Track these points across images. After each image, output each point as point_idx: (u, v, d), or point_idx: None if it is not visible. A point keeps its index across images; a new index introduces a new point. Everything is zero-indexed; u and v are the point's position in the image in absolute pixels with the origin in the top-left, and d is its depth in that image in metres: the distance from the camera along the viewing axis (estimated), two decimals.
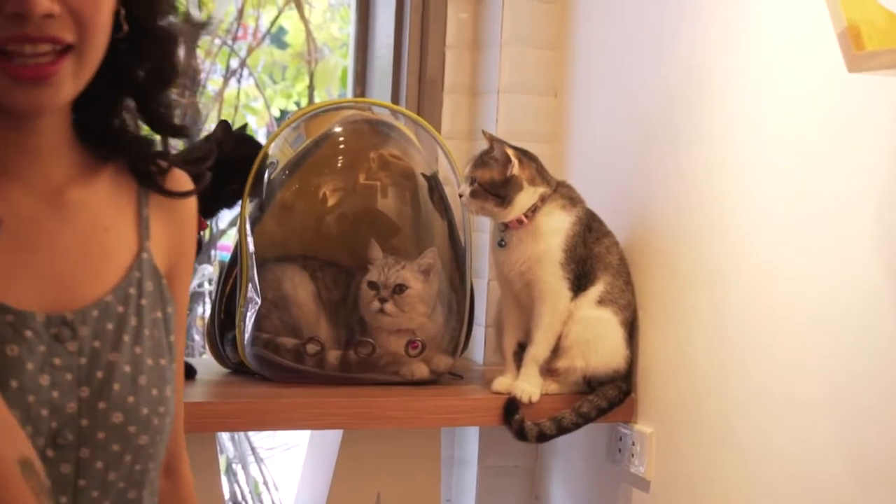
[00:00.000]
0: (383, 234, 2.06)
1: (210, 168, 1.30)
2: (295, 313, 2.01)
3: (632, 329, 2.00)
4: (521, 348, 2.00)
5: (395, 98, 2.42)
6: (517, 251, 1.96)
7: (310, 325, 2.01)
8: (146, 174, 1.23)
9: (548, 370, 1.98)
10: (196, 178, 1.29)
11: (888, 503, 1.47)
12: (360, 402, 1.91)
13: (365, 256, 2.02)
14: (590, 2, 2.25)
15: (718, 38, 1.83)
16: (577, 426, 1.95)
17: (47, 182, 1.16)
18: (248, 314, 1.99)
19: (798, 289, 1.63)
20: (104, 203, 1.20)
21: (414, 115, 2.18)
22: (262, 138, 2.16)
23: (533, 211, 1.94)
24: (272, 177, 2.05)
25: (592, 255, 1.98)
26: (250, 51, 3.04)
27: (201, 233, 2.04)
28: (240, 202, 2.03)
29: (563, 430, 1.94)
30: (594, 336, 1.96)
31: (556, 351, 1.97)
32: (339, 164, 2.09)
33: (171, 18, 1.19)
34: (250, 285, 2.00)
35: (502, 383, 1.98)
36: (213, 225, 2.87)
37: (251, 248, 2.01)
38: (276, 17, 3.12)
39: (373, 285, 1.98)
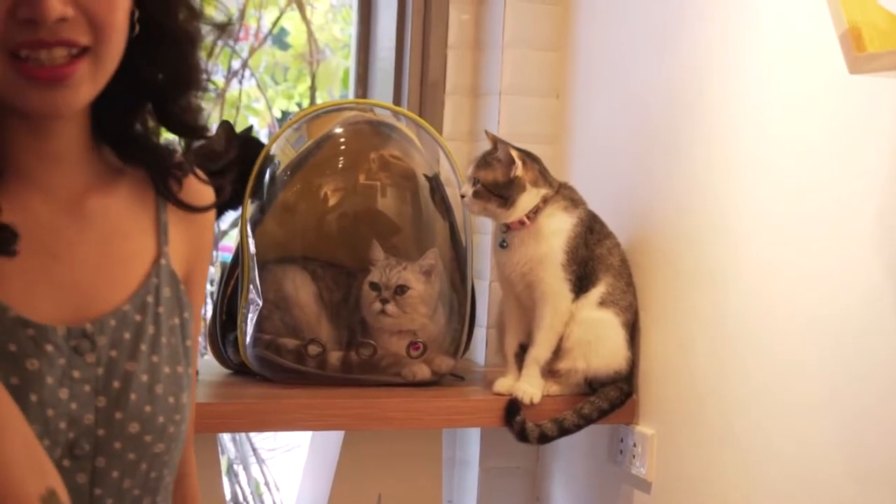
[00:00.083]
0: (383, 233, 2.06)
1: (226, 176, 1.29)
2: (296, 314, 2.01)
3: (633, 330, 2.00)
4: (523, 349, 2.01)
5: (397, 99, 2.42)
6: (519, 252, 1.96)
7: (311, 326, 2.01)
8: (164, 187, 1.22)
9: (549, 371, 1.98)
10: (217, 191, 1.28)
11: (888, 503, 1.47)
12: (361, 404, 1.91)
13: (366, 257, 2.02)
14: (591, 3, 2.25)
15: (720, 38, 1.83)
16: (578, 427, 1.95)
17: (67, 189, 1.16)
18: (250, 315, 2.00)
19: (799, 289, 1.63)
20: (123, 209, 1.20)
21: (415, 117, 2.18)
22: (264, 139, 2.16)
23: (535, 212, 1.94)
24: (273, 178, 2.05)
25: (594, 257, 1.98)
26: (252, 52, 3.04)
27: None
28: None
29: (564, 431, 1.94)
30: (595, 337, 1.96)
31: (558, 352, 1.98)
32: (340, 165, 2.09)
33: (190, 19, 1.17)
34: (251, 286, 2.00)
35: (504, 384, 1.98)
36: (216, 226, 2.87)
37: (252, 249, 2.01)
38: (278, 18, 3.12)
39: (374, 286, 1.98)
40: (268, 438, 3.39)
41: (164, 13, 1.14)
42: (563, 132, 2.33)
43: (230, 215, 2.20)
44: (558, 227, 1.95)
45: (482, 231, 2.31)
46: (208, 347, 2.16)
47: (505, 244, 1.97)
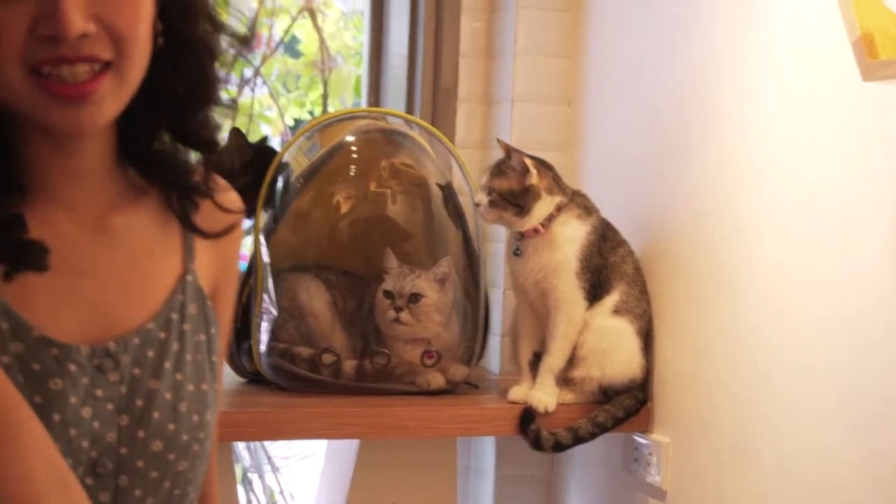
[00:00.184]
0: (394, 239, 2.06)
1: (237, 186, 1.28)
2: (310, 323, 2.01)
3: (647, 338, 1.99)
4: (537, 358, 2.00)
5: (410, 107, 2.42)
6: (532, 260, 1.96)
7: (325, 334, 2.01)
8: (181, 211, 1.20)
9: (563, 380, 1.98)
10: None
11: None
12: (375, 412, 1.91)
13: (379, 265, 2.02)
14: (602, 10, 2.25)
15: (731, 43, 1.83)
16: (593, 436, 1.95)
17: (92, 206, 1.15)
18: (264, 324, 2.00)
19: (812, 294, 1.63)
20: (149, 225, 1.19)
21: (427, 125, 2.18)
22: (276, 147, 2.16)
23: (549, 220, 1.94)
24: (287, 186, 2.05)
25: (608, 265, 1.98)
26: (264, 59, 3.04)
27: None
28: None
29: (579, 439, 1.94)
30: (610, 345, 1.95)
31: (572, 360, 1.97)
32: (352, 173, 2.10)
33: (212, 32, 1.16)
34: (265, 295, 2.00)
35: (518, 393, 1.98)
36: None
37: (266, 258, 2.01)
38: (290, 26, 3.12)
39: (388, 294, 1.98)
40: (282, 447, 3.39)
41: (186, 26, 1.13)
42: (575, 139, 2.33)
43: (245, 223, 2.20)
44: (572, 234, 1.95)
45: (495, 239, 2.31)
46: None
47: (519, 252, 1.97)
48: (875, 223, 1.51)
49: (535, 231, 1.95)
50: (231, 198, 1.26)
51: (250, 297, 2.03)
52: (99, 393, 1.10)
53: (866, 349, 1.52)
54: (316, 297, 2.03)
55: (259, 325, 2.00)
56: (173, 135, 1.19)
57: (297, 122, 3.42)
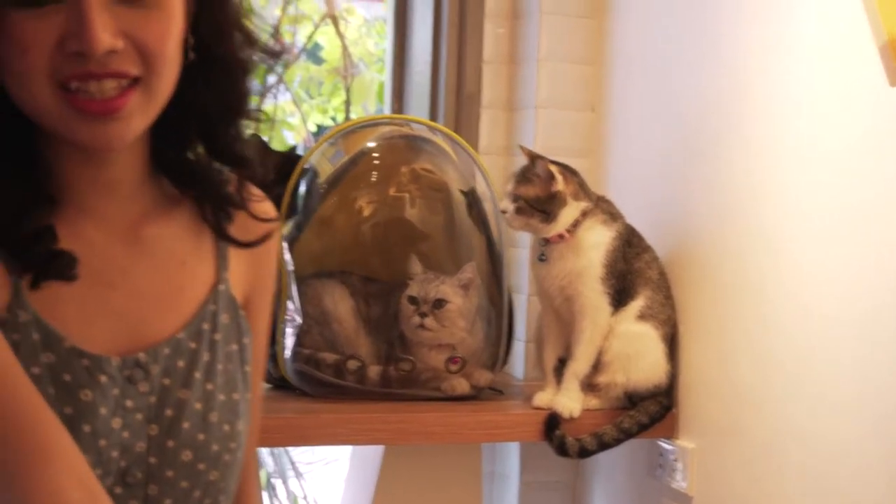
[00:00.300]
0: (411, 241, 2.06)
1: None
2: (335, 329, 2.01)
3: (672, 344, 1.99)
4: (562, 363, 2.00)
5: (433, 113, 2.43)
6: (558, 266, 1.96)
7: (350, 340, 2.01)
8: (214, 221, 1.20)
9: (588, 385, 1.98)
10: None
11: None
12: (400, 418, 1.91)
13: (401, 269, 2.02)
14: (626, 16, 2.25)
15: (758, 48, 1.82)
16: (618, 442, 1.94)
17: (123, 217, 1.15)
18: (289, 329, 2.00)
19: (841, 299, 1.62)
20: (182, 236, 1.19)
21: (449, 132, 2.18)
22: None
23: (574, 226, 1.94)
24: (310, 193, 2.06)
25: (632, 270, 1.97)
26: (287, 66, 3.05)
27: None
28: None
29: (604, 445, 1.94)
30: (635, 351, 1.95)
31: (597, 366, 1.97)
32: (374, 179, 2.10)
33: (244, 47, 1.15)
34: (290, 302, 2.01)
35: (543, 398, 1.98)
36: None
37: (290, 265, 2.02)
38: (313, 33, 3.13)
39: (412, 300, 1.99)
40: (305, 452, 3.40)
41: (219, 41, 1.12)
42: (598, 145, 2.33)
43: None
44: (597, 240, 1.95)
45: (519, 245, 2.31)
46: None
47: (544, 258, 1.97)
48: None
49: (561, 237, 1.95)
50: (265, 207, 1.25)
51: (275, 304, 2.03)
52: (129, 403, 1.10)
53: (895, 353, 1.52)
54: (340, 303, 2.03)
55: (284, 331, 2.01)
56: (206, 148, 1.19)
57: (320, 128, 3.43)
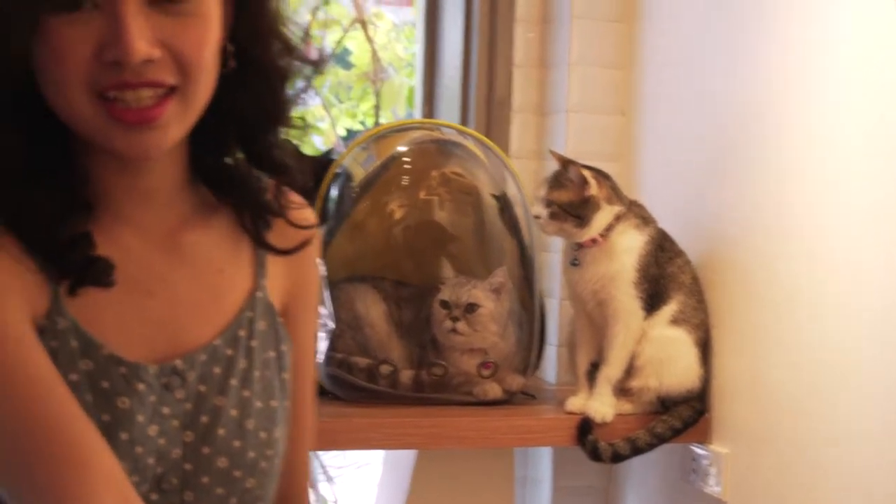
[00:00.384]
0: (441, 244, 2.07)
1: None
2: (367, 333, 2.02)
3: (705, 348, 1.98)
4: (594, 368, 2.00)
5: (464, 118, 2.43)
6: (590, 270, 1.95)
7: (382, 344, 2.02)
8: (252, 229, 1.20)
9: (621, 390, 1.97)
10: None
11: None
12: (433, 423, 1.91)
13: (431, 273, 2.03)
14: (657, 20, 2.25)
15: (792, 49, 1.81)
16: (651, 446, 1.94)
17: (161, 224, 1.15)
18: (321, 334, 2.01)
19: (877, 304, 1.61)
20: (220, 243, 1.19)
21: (480, 136, 2.18)
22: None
23: (608, 230, 1.94)
24: (342, 197, 2.07)
25: (665, 275, 1.97)
26: (320, 72, 3.05)
27: None
28: None
29: (637, 450, 1.93)
30: (668, 356, 1.95)
31: (630, 370, 1.97)
32: (404, 183, 2.10)
33: (283, 54, 1.15)
34: (322, 306, 2.01)
35: (576, 403, 1.97)
36: None
37: (322, 269, 2.02)
38: (342, 38, 3.14)
39: (445, 304, 1.99)
40: (337, 456, 3.40)
41: (257, 48, 1.12)
42: (629, 149, 2.33)
43: None
44: (630, 244, 1.95)
45: (551, 249, 2.31)
46: None
47: (576, 262, 1.97)
48: None
49: (594, 241, 1.94)
50: (305, 214, 1.25)
51: None
52: (165, 410, 1.10)
53: None
54: (373, 308, 2.03)
55: (316, 336, 2.01)
56: (245, 155, 1.18)
57: (350, 132, 3.44)
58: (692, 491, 2.05)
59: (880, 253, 1.60)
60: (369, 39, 3.08)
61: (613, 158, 2.31)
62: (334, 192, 2.07)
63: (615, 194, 1.97)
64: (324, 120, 3.36)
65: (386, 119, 3.05)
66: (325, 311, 2.01)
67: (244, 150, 1.18)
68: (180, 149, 1.14)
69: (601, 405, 1.94)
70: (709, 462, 1.98)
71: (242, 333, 1.17)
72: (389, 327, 2.03)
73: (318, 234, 1.28)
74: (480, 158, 2.14)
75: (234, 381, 1.15)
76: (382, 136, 2.15)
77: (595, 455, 1.93)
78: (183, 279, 1.15)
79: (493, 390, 2.01)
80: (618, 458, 1.94)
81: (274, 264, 1.22)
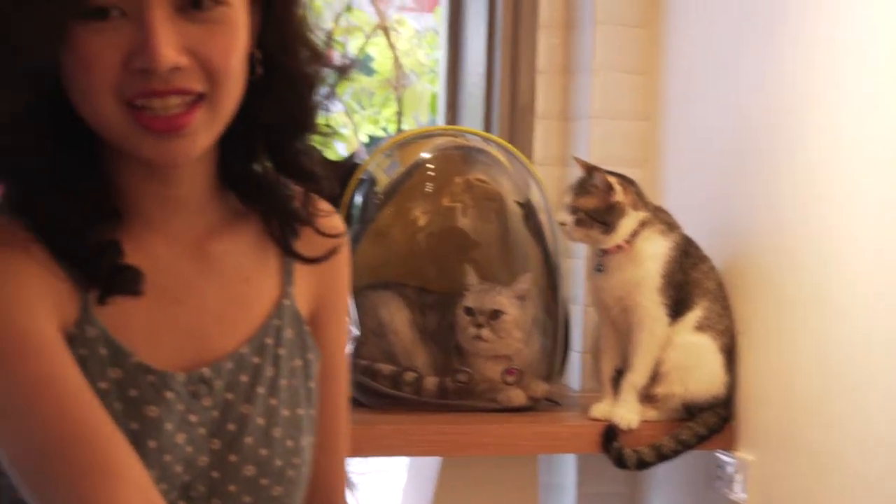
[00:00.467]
0: (465, 250, 2.07)
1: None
2: (392, 340, 2.02)
3: (731, 355, 1.98)
4: (619, 374, 1.99)
5: (487, 124, 2.43)
6: (615, 277, 1.95)
7: (406, 351, 2.02)
8: (281, 237, 1.20)
9: (646, 396, 1.97)
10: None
11: None
12: (457, 429, 1.91)
13: (455, 280, 2.02)
14: (680, 25, 2.24)
15: (818, 51, 1.80)
16: (676, 453, 1.93)
17: (189, 233, 1.14)
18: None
19: None
20: (248, 251, 1.18)
21: (503, 142, 2.18)
22: None
23: (633, 236, 1.94)
24: (366, 204, 2.07)
25: (690, 281, 1.96)
26: (344, 79, 3.06)
27: None
28: None
29: (662, 457, 1.93)
30: (693, 362, 1.94)
31: (655, 377, 1.96)
32: (428, 190, 2.10)
33: (311, 61, 1.14)
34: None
35: (601, 410, 1.97)
36: None
37: None
38: (364, 44, 3.14)
39: (469, 311, 1.99)
40: (359, 462, 3.39)
41: (285, 54, 1.11)
42: (653, 155, 2.32)
43: None
44: (655, 251, 1.94)
45: (574, 256, 2.30)
46: None
47: (601, 269, 1.97)
48: None
49: (619, 248, 1.94)
50: (334, 222, 1.25)
51: None
52: (193, 418, 1.10)
53: None
54: (397, 315, 2.04)
55: None
56: (273, 163, 1.18)
57: (372, 139, 3.44)
58: (718, 498, 2.04)
59: None
60: (391, 46, 3.08)
61: (637, 164, 2.31)
62: (358, 199, 2.07)
63: (640, 200, 1.96)
64: (346, 126, 3.37)
65: (408, 125, 3.06)
66: (349, 317, 2.01)
67: (271, 157, 1.17)
68: (209, 156, 1.13)
69: (626, 412, 1.94)
70: (734, 469, 1.97)
71: (269, 341, 1.17)
72: (414, 334, 2.03)
73: (348, 242, 1.28)
74: (504, 165, 2.14)
75: (260, 390, 1.15)
76: (406, 142, 2.15)
77: (620, 462, 1.92)
78: (211, 287, 1.15)
79: (518, 397, 2.00)
80: (643, 465, 1.93)
81: (301, 272, 1.21)
